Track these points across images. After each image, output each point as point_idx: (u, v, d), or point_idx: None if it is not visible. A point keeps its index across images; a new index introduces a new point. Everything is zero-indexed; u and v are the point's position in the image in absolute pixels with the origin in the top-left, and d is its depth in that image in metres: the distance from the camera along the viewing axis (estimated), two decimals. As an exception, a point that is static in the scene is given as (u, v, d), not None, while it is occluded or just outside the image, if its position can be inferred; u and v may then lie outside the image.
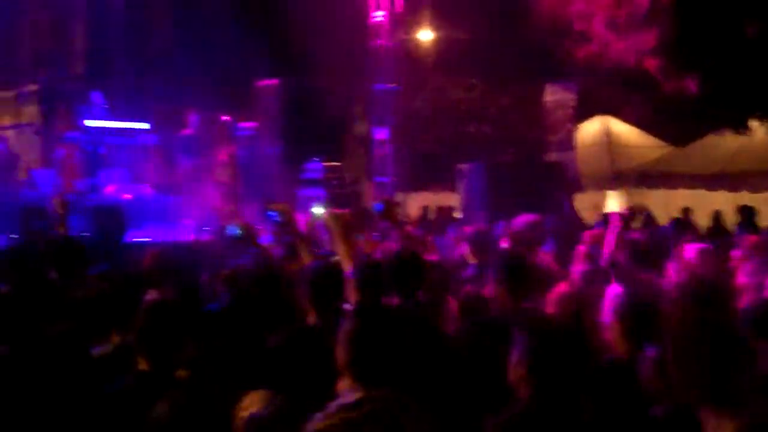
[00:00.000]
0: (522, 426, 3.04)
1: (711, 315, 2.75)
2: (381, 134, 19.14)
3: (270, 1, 20.03)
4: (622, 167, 19.01)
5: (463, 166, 15.51)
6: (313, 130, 19.27)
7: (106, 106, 14.60)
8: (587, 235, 6.80)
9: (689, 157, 18.19)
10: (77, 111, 14.46)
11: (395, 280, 4.73)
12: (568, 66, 19.85)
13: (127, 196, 13.84)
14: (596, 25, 19.76)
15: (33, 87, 17.06)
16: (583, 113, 19.85)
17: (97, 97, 14.54)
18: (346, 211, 6.36)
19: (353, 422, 2.70)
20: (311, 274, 4.50)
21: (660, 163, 18.67)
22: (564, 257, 6.49)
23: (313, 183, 16.41)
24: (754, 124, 17.77)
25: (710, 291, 4.18)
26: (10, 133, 16.37)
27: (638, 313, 3.80)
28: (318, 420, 2.79)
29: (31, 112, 16.77)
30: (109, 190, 14.02)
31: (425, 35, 22.62)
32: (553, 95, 19.41)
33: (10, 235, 9.77)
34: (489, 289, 4.86)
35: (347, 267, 4.76)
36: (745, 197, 15.31)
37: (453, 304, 5.07)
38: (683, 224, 11.03)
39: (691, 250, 5.88)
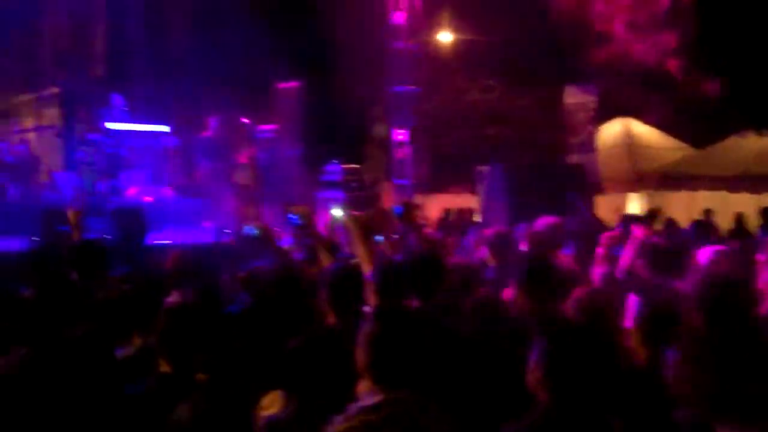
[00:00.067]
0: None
1: (726, 321, 2.71)
2: (400, 136, 19.13)
3: (290, 4, 20.07)
4: (644, 169, 18.89)
5: (483, 168, 15.49)
6: (333, 132, 19.30)
7: (127, 109, 14.68)
8: (605, 237, 6.76)
9: (711, 158, 18.06)
10: (98, 114, 14.54)
11: (415, 282, 4.72)
12: (588, 67, 19.78)
13: (148, 198, 13.90)
14: (617, 26, 19.69)
15: (54, 90, 17.14)
16: (604, 115, 19.77)
17: (117, 100, 14.62)
18: (365, 213, 6.36)
19: (373, 425, 2.69)
20: (331, 277, 4.50)
21: (681, 165, 18.55)
22: (584, 260, 6.46)
23: (332, 185, 16.40)
24: (776, 125, 17.66)
25: (727, 296, 4.13)
26: (31, 136, 16.47)
27: (656, 322, 3.77)
28: (338, 423, 2.78)
29: (52, 114, 16.86)
30: (130, 192, 14.08)
31: (445, 37, 22.59)
32: (574, 97, 19.34)
33: (32, 238, 9.81)
34: (509, 292, 4.84)
35: (366, 269, 4.75)
36: (768, 199, 15.21)
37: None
38: (705, 227, 10.95)
39: (705, 254, 5.76)
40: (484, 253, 6.68)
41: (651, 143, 19.93)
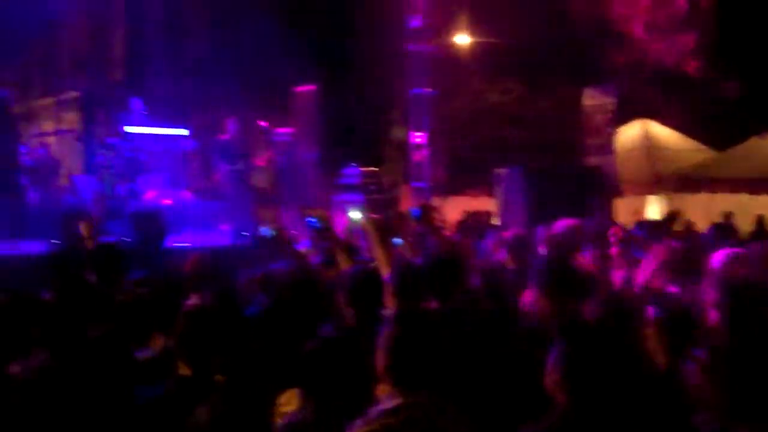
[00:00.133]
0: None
1: (746, 326, 2.68)
2: (418, 139, 19.11)
3: (308, 7, 20.10)
4: (663, 171, 18.80)
5: (501, 171, 15.41)
6: (351, 135, 19.31)
7: (146, 113, 14.74)
8: (611, 234, 6.66)
9: (731, 160, 17.96)
10: (117, 117, 14.62)
11: (434, 284, 4.71)
12: (607, 69, 19.70)
13: (167, 201, 13.95)
14: (636, 28, 19.61)
15: (73, 94, 17.26)
16: (623, 117, 19.67)
17: (136, 104, 14.69)
18: (383, 215, 6.36)
19: (392, 428, 2.69)
20: (350, 280, 4.49)
21: (701, 167, 18.45)
22: (604, 262, 6.42)
23: (350, 188, 16.38)
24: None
25: (746, 300, 4.09)
26: (51, 140, 16.59)
27: (675, 326, 3.75)
28: (358, 426, 2.78)
29: (71, 118, 16.97)
30: (149, 195, 14.14)
31: (462, 39, 22.55)
32: (592, 99, 19.24)
33: (52, 241, 9.87)
34: (529, 295, 4.82)
35: (385, 272, 4.74)
36: (789, 201, 15.12)
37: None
38: (725, 229, 10.87)
39: (719, 257, 5.50)
40: (502, 255, 6.66)
41: (670, 145, 19.83)
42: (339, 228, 8.79)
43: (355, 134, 19.57)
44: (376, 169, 18.37)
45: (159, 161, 15.01)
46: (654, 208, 17.94)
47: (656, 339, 3.81)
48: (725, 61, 18.63)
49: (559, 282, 4.47)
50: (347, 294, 4.41)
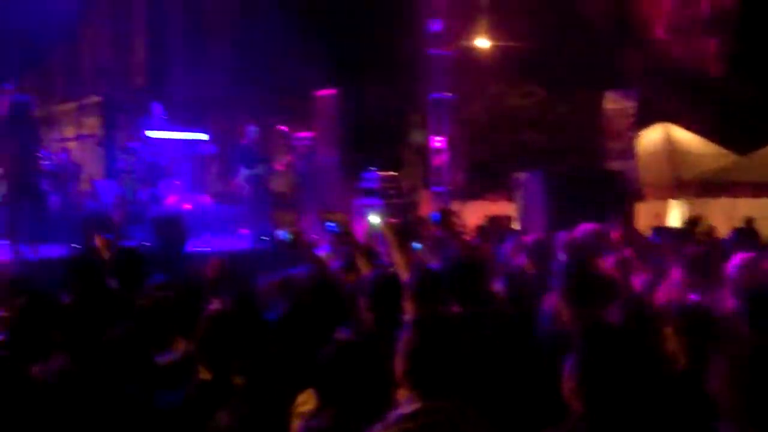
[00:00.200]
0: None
1: (760, 333, 2.65)
2: (438, 143, 19.09)
3: (327, 11, 20.13)
4: (684, 176, 18.69)
5: (521, 175, 15.36)
6: (370, 139, 19.29)
7: (166, 117, 14.81)
8: (613, 237, 6.61)
9: (753, 164, 17.84)
10: (138, 122, 14.70)
11: (454, 289, 4.69)
12: (628, 72, 19.60)
13: (188, 206, 14.00)
14: (657, 31, 19.50)
15: (95, 99, 17.38)
16: (644, 120, 19.56)
17: (157, 109, 14.76)
18: (402, 220, 6.36)
19: (412, 433, 2.68)
20: (370, 285, 4.49)
21: (723, 172, 18.33)
22: (625, 267, 6.38)
23: (370, 192, 16.40)
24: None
25: (762, 306, 4.05)
26: (72, 144, 16.70)
27: (695, 334, 3.72)
28: (377, 430, 2.77)
29: (92, 123, 17.09)
30: (170, 200, 14.19)
31: (482, 43, 22.50)
32: (614, 102, 19.15)
33: (72, 245, 9.93)
34: (550, 300, 4.79)
35: (404, 276, 4.74)
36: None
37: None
38: (746, 234, 10.79)
39: (735, 261, 5.42)
40: (522, 260, 6.63)
41: (692, 149, 19.70)
42: (358, 232, 8.80)
43: (374, 138, 19.55)
44: (396, 173, 18.36)
45: (179, 166, 15.07)
46: (675, 213, 17.84)
47: (676, 342, 3.78)
48: (748, 65, 18.49)
49: (580, 287, 4.44)
50: (367, 298, 4.40)
